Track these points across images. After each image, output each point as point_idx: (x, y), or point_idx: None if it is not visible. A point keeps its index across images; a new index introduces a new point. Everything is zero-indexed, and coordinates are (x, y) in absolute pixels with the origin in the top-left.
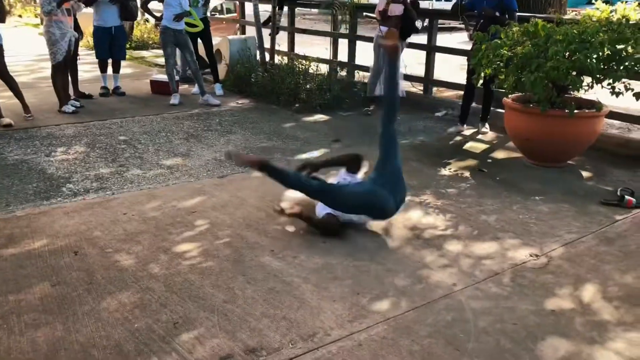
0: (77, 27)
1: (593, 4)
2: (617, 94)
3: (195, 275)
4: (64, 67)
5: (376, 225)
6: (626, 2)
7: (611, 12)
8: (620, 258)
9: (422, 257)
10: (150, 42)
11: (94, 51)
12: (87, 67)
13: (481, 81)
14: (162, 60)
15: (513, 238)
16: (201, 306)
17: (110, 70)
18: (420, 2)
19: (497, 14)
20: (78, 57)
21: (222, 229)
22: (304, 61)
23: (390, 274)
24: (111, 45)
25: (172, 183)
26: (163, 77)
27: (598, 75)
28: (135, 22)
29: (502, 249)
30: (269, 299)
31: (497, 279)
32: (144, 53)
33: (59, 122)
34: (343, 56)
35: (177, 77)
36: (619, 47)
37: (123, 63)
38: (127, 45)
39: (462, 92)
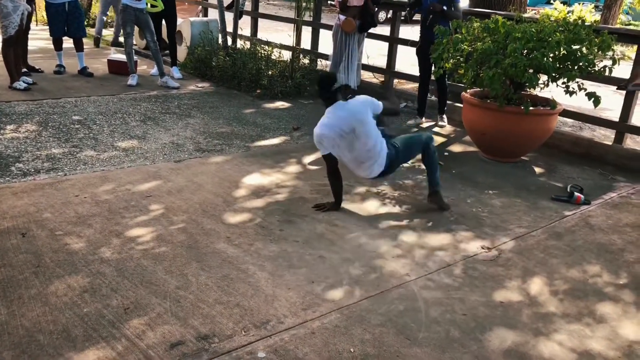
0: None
1: (552, 3)
2: (571, 93)
3: (148, 260)
4: (15, 42)
5: (334, 214)
6: (582, 3)
7: (568, 12)
8: (567, 252)
9: (377, 247)
10: (109, 21)
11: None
12: (42, 42)
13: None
14: (120, 39)
15: (466, 230)
16: (153, 292)
17: (69, 48)
18: None
19: (445, 8)
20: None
21: (178, 214)
22: (266, 47)
23: (345, 263)
24: (68, 22)
25: (127, 166)
26: (121, 56)
27: (554, 74)
28: None
29: (455, 241)
30: (223, 286)
31: (449, 270)
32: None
33: (9, 99)
34: (306, 43)
35: (135, 58)
36: (574, 47)
37: None
38: (85, 23)
39: None
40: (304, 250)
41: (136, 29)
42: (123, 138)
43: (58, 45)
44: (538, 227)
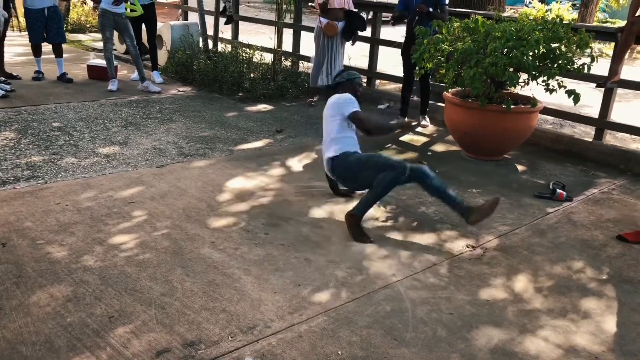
0: (7, 6)
1: (530, 2)
2: (551, 91)
3: (132, 267)
4: None
5: (318, 215)
6: (560, 2)
7: (546, 11)
8: (551, 249)
9: (362, 249)
10: (88, 26)
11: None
12: (20, 49)
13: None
14: (100, 44)
15: (450, 229)
16: (138, 299)
17: (47, 54)
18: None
19: (431, 9)
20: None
21: (161, 220)
22: (248, 50)
23: (331, 265)
24: (47, 28)
25: (108, 172)
26: (101, 62)
27: (534, 72)
28: (71, 3)
29: (440, 240)
30: (209, 292)
31: (434, 270)
32: (80, 36)
33: None
34: (288, 46)
35: (116, 63)
36: (553, 45)
37: None
38: (64, 28)
39: None
40: (289, 254)
41: (116, 33)
42: (104, 144)
43: (37, 51)
44: (522, 225)
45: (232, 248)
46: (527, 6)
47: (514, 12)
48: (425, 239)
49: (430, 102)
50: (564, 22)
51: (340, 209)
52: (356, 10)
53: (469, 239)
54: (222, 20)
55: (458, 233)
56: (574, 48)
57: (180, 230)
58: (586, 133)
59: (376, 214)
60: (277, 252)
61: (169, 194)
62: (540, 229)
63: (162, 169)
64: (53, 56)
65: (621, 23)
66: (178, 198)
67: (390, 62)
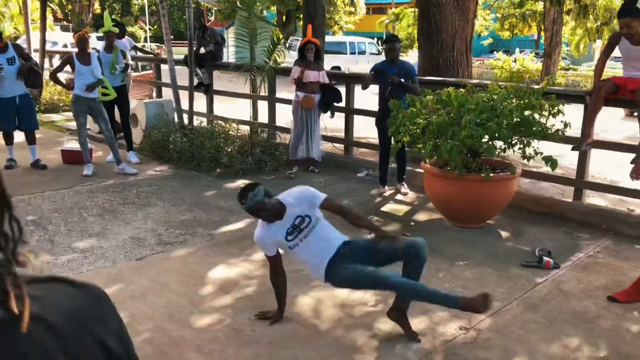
0: None
1: (494, 54)
2: (529, 159)
3: None
4: None
5: (306, 305)
6: (523, 51)
7: (512, 61)
8: (545, 326)
9: (354, 340)
10: (61, 105)
11: None
12: None
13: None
14: (74, 125)
15: (442, 310)
16: None
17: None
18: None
19: (402, 80)
20: None
21: (142, 322)
22: (223, 123)
23: None
24: (19, 116)
25: (86, 269)
26: (75, 145)
27: (510, 140)
28: (44, 83)
29: (432, 323)
30: None
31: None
32: (54, 117)
33: None
34: (263, 115)
35: (90, 145)
36: (526, 113)
37: None
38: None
39: None
40: (278, 352)
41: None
42: (81, 237)
43: (9, 139)
44: (513, 299)
45: (218, 351)
46: (491, 58)
47: (480, 62)
48: (417, 323)
49: (408, 168)
50: (534, 88)
51: (327, 295)
52: (331, 82)
53: (461, 320)
54: (200, 90)
55: (449, 314)
56: (547, 115)
57: (162, 332)
58: (563, 190)
59: (364, 298)
60: (266, 352)
61: (149, 291)
62: (532, 302)
63: (141, 262)
64: (25, 142)
65: (583, 67)
66: (159, 295)
67: (367, 123)
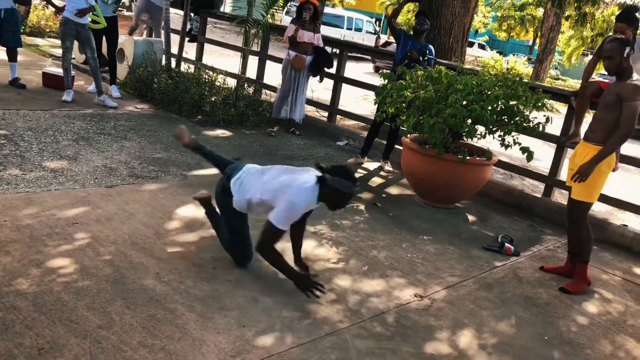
0: None
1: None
2: (507, 147)
3: (69, 295)
4: None
5: None
6: (517, 55)
7: (504, 62)
8: (497, 305)
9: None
10: (47, 30)
11: None
12: None
13: (389, 120)
14: (58, 51)
15: (400, 277)
16: (72, 330)
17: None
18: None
19: (421, 58)
20: None
21: (105, 245)
22: (211, 72)
23: (278, 306)
24: (1, 30)
25: (54, 188)
26: (57, 70)
27: (491, 127)
28: (32, 6)
29: (389, 287)
30: (149, 327)
31: (382, 319)
32: (38, 41)
33: None
34: (252, 72)
35: (73, 73)
36: (511, 102)
37: None
38: (21, 30)
39: (363, 124)
40: (236, 291)
41: (76, 43)
42: (52, 158)
43: None
44: (469, 277)
45: (177, 281)
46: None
47: (473, 59)
48: (375, 284)
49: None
50: (523, 81)
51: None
52: (324, 47)
53: (417, 288)
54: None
55: (407, 281)
56: (531, 107)
57: (124, 257)
58: (535, 186)
59: (328, 254)
60: (224, 289)
61: (115, 217)
62: (488, 282)
63: (111, 189)
64: (6, 59)
65: (571, 81)
66: (125, 222)
67: (352, 97)
